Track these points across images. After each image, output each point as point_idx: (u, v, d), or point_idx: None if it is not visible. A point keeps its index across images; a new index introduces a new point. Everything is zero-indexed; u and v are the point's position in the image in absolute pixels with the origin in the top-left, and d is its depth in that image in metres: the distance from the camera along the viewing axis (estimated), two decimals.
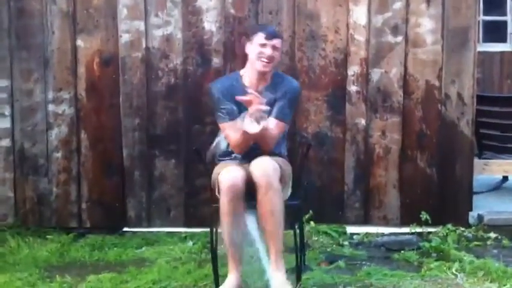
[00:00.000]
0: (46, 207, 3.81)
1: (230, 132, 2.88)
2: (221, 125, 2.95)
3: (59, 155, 3.79)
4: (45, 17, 3.71)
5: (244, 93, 2.84)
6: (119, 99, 3.74)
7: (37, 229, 3.77)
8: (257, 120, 2.67)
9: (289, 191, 2.92)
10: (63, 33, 3.73)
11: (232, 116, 2.89)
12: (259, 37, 2.90)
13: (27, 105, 3.77)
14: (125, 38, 3.71)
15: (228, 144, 2.97)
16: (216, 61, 3.72)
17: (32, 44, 3.74)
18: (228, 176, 2.70)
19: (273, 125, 2.87)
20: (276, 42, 2.91)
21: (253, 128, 2.68)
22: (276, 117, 2.90)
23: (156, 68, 3.74)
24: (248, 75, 2.98)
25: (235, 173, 2.71)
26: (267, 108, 2.75)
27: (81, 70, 3.74)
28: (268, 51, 2.88)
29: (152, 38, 3.71)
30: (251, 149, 2.88)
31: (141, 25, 3.70)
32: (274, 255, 2.72)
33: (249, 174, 2.76)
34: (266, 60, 2.89)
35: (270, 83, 2.97)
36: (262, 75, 2.94)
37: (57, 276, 3.08)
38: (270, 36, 2.90)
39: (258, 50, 2.89)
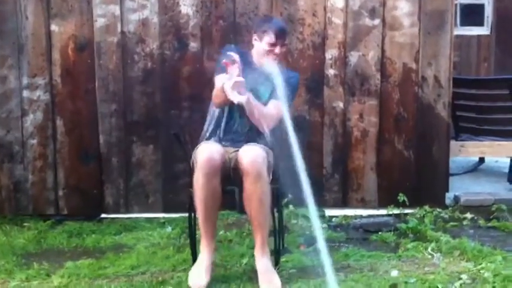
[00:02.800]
0: (22, 194, 3.77)
1: (216, 85, 2.84)
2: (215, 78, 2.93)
3: (34, 141, 3.74)
4: (18, 2, 3.65)
5: (251, 68, 2.85)
6: (95, 85, 3.70)
7: (14, 217, 3.73)
8: (239, 91, 2.61)
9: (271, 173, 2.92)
10: (37, 18, 3.66)
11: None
12: (270, 37, 2.89)
13: (1, 91, 3.71)
14: (100, 22, 3.66)
15: (209, 126, 2.98)
16: (193, 45, 3.69)
17: (5, 29, 3.67)
18: (205, 150, 2.70)
19: (272, 105, 2.88)
20: (284, 42, 2.95)
21: (238, 98, 2.60)
22: (276, 99, 2.86)
23: (132, 53, 3.69)
24: (255, 59, 2.96)
25: (213, 148, 2.71)
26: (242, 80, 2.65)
27: (56, 55, 3.69)
28: (277, 50, 2.90)
29: (128, 22, 3.67)
30: (235, 133, 2.90)
31: (116, 9, 3.65)
32: (260, 242, 2.74)
33: (227, 155, 2.78)
34: (276, 58, 2.90)
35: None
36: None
37: (34, 263, 3.06)
38: (280, 36, 2.91)
39: (267, 48, 2.90)
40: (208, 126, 3.00)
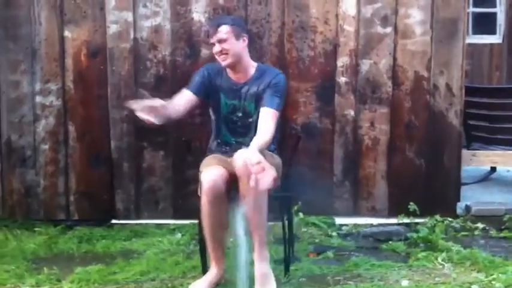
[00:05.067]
0: (33, 199, 3.79)
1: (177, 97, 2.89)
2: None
3: (46, 146, 3.76)
4: (32, 8, 3.68)
5: (228, 84, 2.91)
6: (107, 91, 3.72)
7: (25, 221, 3.75)
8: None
9: (278, 181, 2.91)
10: (51, 24, 3.69)
11: (191, 88, 2.93)
12: (209, 39, 2.89)
13: (14, 96, 3.74)
14: (112, 28, 3.68)
15: (216, 136, 3.00)
16: (205, 52, 3.69)
17: (19, 35, 3.70)
18: (208, 176, 2.66)
19: (266, 115, 2.80)
20: (218, 35, 2.82)
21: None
22: (267, 107, 2.82)
23: (144, 59, 3.71)
24: (228, 71, 2.95)
25: (216, 173, 2.66)
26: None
27: (69, 61, 3.72)
28: (216, 48, 2.85)
29: (140, 28, 3.69)
30: (240, 143, 2.87)
31: (129, 16, 3.67)
32: (258, 246, 2.69)
33: (233, 172, 2.73)
34: (220, 56, 2.85)
35: (253, 76, 2.92)
36: (235, 69, 2.90)
37: (44, 268, 3.07)
38: (210, 33, 2.85)
39: (213, 49, 2.89)
40: (212, 133, 3.02)
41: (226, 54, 2.83)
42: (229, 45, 2.83)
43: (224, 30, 2.83)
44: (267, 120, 2.79)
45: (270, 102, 2.83)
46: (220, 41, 2.83)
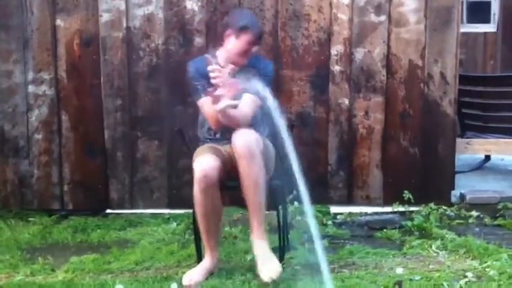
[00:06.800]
0: (27, 189, 3.78)
1: (207, 108, 2.85)
2: (198, 102, 2.93)
3: (39, 136, 3.74)
4: None
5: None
6: (100, 80, 3.70)
7: (19, 211, 3.74)
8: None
9: (272, 170, 2.91)
10: (43, 13, 3.67)
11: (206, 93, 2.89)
12: (249, 37, 2.84)
13: (7, 86, 3.72)
14: (105, 17, 3.65)
15: (203, 124, 2.98)
16: (199, 41, 3.68)
17: (11, 24, 3.68)
18: (201, 165, 2.66)
19: (248, 99, 2.81)
20: (258, 44, 2.93)
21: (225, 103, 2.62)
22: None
23: (137, 48, 3.69)
24: (223, 58, 2.93)
25: (210, 162, 2.66)
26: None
27: (61, 50, 3.69)
28: (253, 49, 2.88)
29: (133, 17, 3.67)
30: (229, 130, 2.84)
31: (121, 4, 3.64)
32: (257, 226, 2.71)
33: (226, 161, 2.75)
34: (242, 56, 2.86)
35: (245, 66, 2.90)
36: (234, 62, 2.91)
37: (39, 258, 3.06)
38: (259, 37, 2.90)
39: (244, 48, 2.84)
40: (202, 124, 3.00)
41: (247, 57, 2.87)
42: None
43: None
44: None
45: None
46: (258, 44, 2.92)
